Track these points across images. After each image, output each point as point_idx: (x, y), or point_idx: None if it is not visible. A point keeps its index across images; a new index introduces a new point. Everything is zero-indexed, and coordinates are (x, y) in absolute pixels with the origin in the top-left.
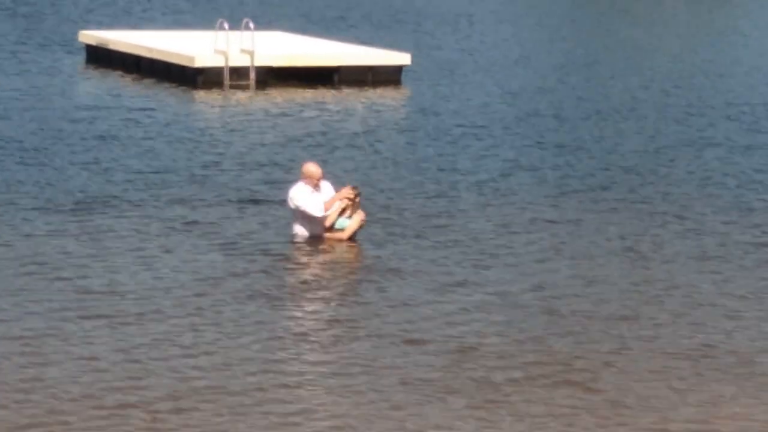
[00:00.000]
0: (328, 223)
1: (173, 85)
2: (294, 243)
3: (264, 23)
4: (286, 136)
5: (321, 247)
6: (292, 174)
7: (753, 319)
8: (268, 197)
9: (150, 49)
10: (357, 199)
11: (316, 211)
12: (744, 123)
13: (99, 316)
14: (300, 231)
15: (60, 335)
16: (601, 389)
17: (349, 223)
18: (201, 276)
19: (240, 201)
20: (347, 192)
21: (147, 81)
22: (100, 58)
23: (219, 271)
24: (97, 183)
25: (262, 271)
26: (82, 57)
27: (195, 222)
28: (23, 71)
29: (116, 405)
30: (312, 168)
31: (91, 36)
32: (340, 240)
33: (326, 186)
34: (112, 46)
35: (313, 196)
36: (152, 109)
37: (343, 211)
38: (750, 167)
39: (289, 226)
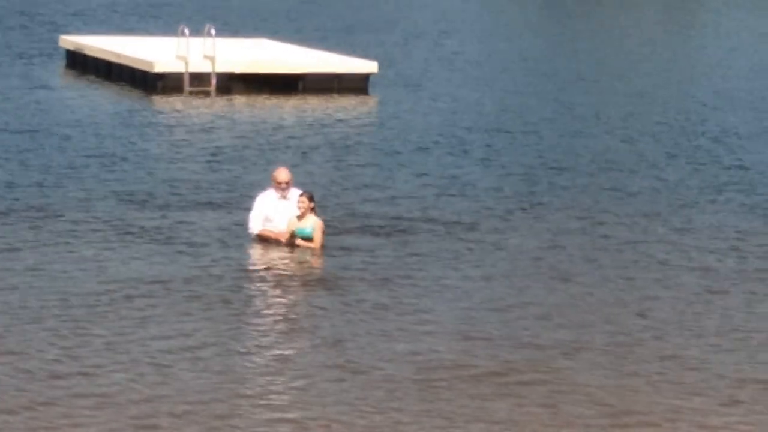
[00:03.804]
0: (287, 235)
1: (137, 90)
2: (253, 248)
3: (250, 30)
4: (234, 142)
5: (283, 251)
6: (235, 181)
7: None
8: (214, 202)
9: (118, 55)
10: (312, 205)
11: (251, 226)
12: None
13: (51, 322)
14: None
15: (8, 342)
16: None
17: (314, 234)
18: (156, 281)
19: (189, 206)
20: (298, 205)
21: (115, 86)
22: (78, 63)
23: (174, 276)
24: (48, 189)
25: (219, 276)
26: (62, 62)
27: (152, 227)
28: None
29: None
30: (275, 172)
31: (69, 41)
32: (313, 249)
33: (294, 194)
34: (87, 52)
35: (271, 207)
36: (108, 114)
37: (300, 217)
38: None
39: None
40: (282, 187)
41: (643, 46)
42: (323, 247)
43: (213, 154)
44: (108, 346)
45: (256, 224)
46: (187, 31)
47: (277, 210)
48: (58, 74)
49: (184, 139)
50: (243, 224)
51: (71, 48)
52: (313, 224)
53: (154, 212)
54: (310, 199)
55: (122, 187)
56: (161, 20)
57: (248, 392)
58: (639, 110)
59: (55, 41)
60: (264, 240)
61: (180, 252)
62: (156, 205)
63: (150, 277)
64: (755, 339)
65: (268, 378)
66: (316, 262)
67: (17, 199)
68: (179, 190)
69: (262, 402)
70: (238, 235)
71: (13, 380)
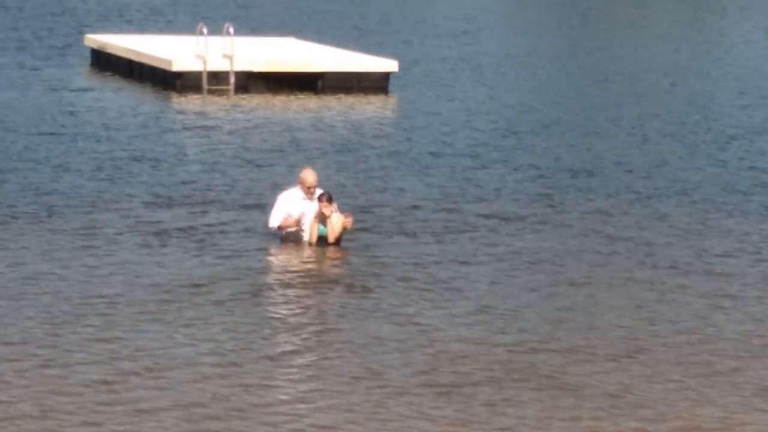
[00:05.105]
0: (312, 238)
1: (157, 89)
2: (275, 249)
3: (269, 29)
4: (252, 142)
5: (303, 253)
6: (252, 182)
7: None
8: (229, 203)
9: (138, 53)
10: (333, 206)
11: (271, 220)
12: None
13: (76, 323)
14: (284, 236)
15: (34, 343)
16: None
17: (330, 227)
18: (175, 284)
19: (207, 207)
20: (323, 210)
21: (136, 85)
22: (102, 61)
23: (192, 279)
24: (68, 192)
25: (236, 278)
26: (87, 60)
27: (170, 229)
28: (29, 71)
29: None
30: (303, 174)
31: (94, 40)
32: (327, 243)
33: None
34: (110, 50)
35: (295, 206)
36: (127, 114)
37: (324, 219)
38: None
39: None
40: (311, 191)
41: (662, 45)
42: (338, 240)
43: (231, 155)
44: (133, 351)
45: (276, 219)
46: (205, 29)
47: (301, 210)
48: (82, 73)
49: (201, 140)
50: (262, 221)
51: (95, 47)
52: (337, 220)
53: (172, 214)
54: (329, 200)
55: (140, 189)
56: (185, 18)
57: (263, 399)
58: (657, 111)
59: (81, 40)
60: (284, 237)
61: (197, 255)
62: (173, 207)
63: (170, 280)
64: None
65: (285, 383)
66: (334, 264)
67: (38, 203)
68: (197, 192)
69: (279, 409)
70: (257, 237)
71: (38, 385)
